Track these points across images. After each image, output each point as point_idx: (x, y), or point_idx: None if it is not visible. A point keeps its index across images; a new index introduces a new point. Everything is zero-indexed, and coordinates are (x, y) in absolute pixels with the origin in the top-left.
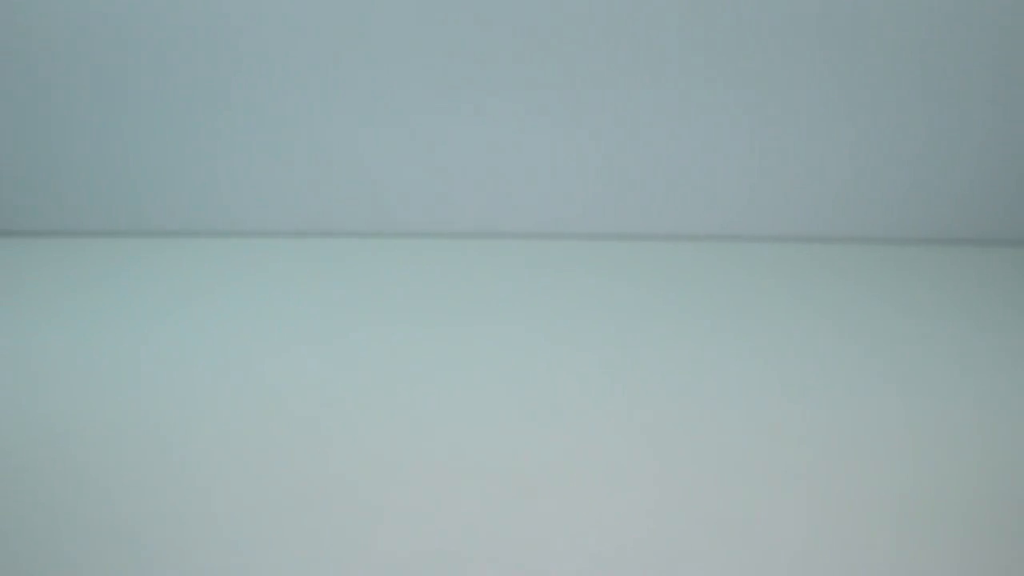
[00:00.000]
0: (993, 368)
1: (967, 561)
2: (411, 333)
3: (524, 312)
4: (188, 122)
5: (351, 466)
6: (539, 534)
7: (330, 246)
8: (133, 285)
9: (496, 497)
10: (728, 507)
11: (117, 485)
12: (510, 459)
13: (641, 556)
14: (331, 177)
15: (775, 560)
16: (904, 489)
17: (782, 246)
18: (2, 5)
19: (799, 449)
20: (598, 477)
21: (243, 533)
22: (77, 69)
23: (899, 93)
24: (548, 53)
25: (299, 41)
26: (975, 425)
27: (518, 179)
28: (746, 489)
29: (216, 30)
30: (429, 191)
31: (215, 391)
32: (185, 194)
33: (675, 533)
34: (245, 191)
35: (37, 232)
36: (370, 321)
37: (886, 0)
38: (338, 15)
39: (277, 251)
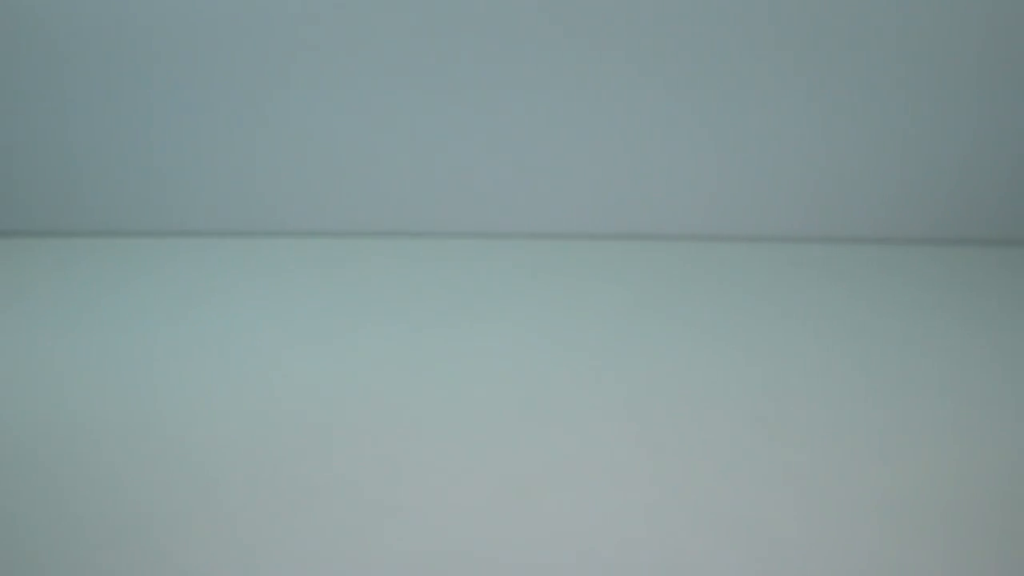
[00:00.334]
0: (992, 368)
1: (963, 560)
2: (411, 333)
3: (524, 312)
4: (188, 122)
5: (351, 465)
6: (539, 534)
7: (330, 246)
8: (133, 285)
9: (496, 497)
10: (727, 507)
11: (118, 485)
12: (510, 459)
13: (641, 556)
14: (331, 177)
15: (774, 559)
16: (903, 489)
17: (782, 246)
18: (3, 5)
19: (798, 448)
20: (598, 477)
21: (244, 532)
22: (77, 69)
23: (897, 93)
24: (548, 53)
25: (299, 41)
26: (974, 425)
27: (518, 179)
28: (745, 489)
29: (215, 30)
30: (429, 191)
31: (215, 391)
32: (185, 194)
33: (675, 533)
34: (245, 191)
35: (37, 232)
36: (370, 321)
37: (883, 1)
38: (338, 15)
39: (277, 251)
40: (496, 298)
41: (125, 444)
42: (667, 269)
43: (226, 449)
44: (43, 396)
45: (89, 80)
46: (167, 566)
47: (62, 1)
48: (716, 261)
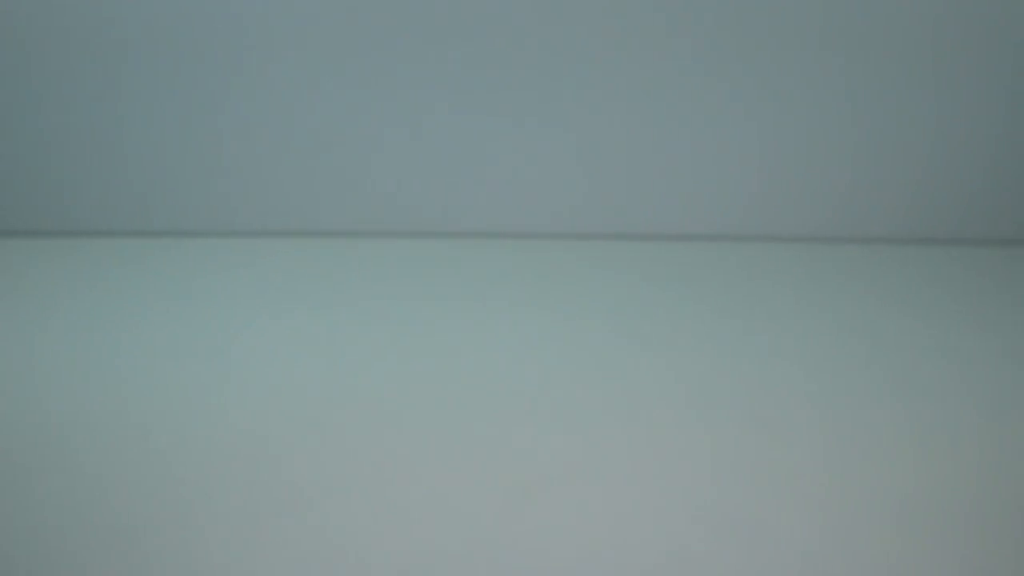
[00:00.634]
0: (993, 368)
1: (964, 560)
2: (411, 333)
3: (524, 312)
4: (188, 122)
5: (351, 465)
6: (539, 534)
7: (330, 246)
8: (133, 285)
9: (495, 497)
10: (728, 506)
11: (117, 485)
12: (510, 459)
13: (641, 556)
14: (331, 177)
15: (774, 559)
16: (904, 489)
17: (782, 246)
18: (2, 5)
19: (799, 449)
20: (598, 477)
21: (242, 532)
22: (77, 69)
23: (899, 93)
24: (548, 53)
25: (299, 42)
26: (976, 424)
27: (518, 179)
28: (746, 489)
29: (215, 30)
30: (429, 191)
31: (215, 391)
32: (185, 194)
33: (675, 533)
34: (245, 191)
35: (37, 232)
36: (370, 321)
37: (888, 1)
38: (338, 16)
39: (277, 251)
40: (496, 298)
41: (125, 444)
42: (667, 269)
43: (226, 448)
44: (43, 396)
45: (88, 80)
46: (167, 566)
47: (62, 1)
48: (716, 261)
